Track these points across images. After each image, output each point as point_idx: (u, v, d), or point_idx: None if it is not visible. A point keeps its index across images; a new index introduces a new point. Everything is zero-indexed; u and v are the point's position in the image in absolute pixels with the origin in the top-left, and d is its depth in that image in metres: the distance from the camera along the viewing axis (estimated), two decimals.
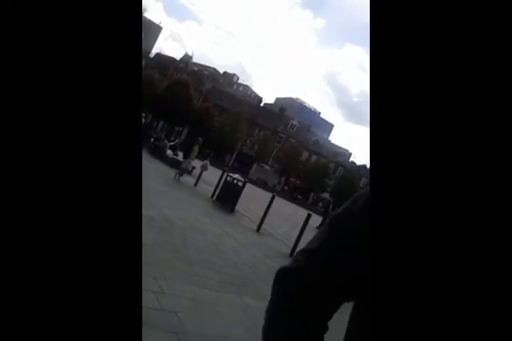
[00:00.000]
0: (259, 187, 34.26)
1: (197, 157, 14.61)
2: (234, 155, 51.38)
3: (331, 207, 22.67)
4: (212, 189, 11.55)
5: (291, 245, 7.67)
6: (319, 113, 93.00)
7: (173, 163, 15.60)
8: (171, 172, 13.44)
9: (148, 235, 4.73)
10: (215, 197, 10.94)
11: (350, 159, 68.14)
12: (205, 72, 69.25)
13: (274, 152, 51.49)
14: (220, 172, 11.97)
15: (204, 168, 13.63)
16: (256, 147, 51.43)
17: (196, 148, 13.71)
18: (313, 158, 55.97)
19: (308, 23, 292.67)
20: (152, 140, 20.21)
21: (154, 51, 67.27)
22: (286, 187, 50.96)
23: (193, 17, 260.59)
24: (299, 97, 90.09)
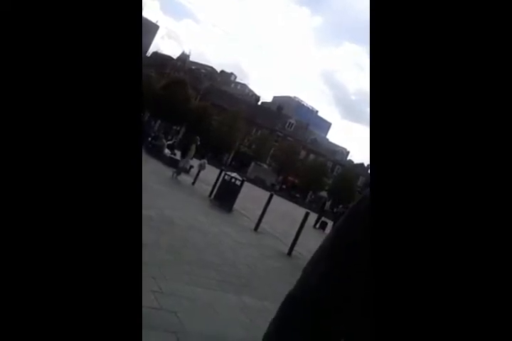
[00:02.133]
0: (257, 186, 34.27)
1: (195, 156, 14.59)
2: (232, 154, 51.37)
3: (328, 204, 22.75)
4: (210, 188, 11.54)
5: (290, 244, 7.68)
6: (317, 111, 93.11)
7: (170, 162, 15.57)
8: (169, 172, 13.43)
9: (146, 235, 4.73)
10: (213, 196, 10.93)
11: (348, 157, 68.33)
12: (203, 71, 69.20)
13: (272, 151, 51.53)
14: (218, 171, 11.96)
15: (202, 167, 13.61)
16: (254, 146, 51.45)
17: (194, 147, 13.69)
18: (311, 156, 56.06)
19: (306, 21, 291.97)
20: (150, 139, 20.16)
21: (151, 50, 67.16)
22: (284, 186, 51.01)
23: (190, 15, 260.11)
24: (297, 96, 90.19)
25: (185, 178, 13.57)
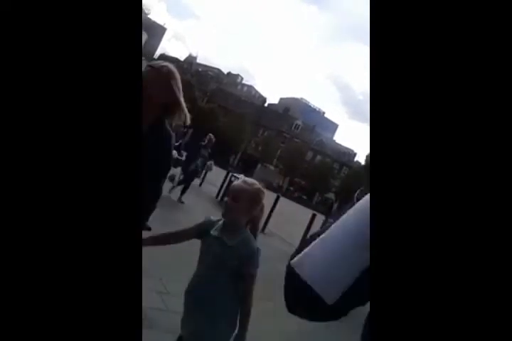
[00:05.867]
0: (264, 187, 34.21)
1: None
2: (238, 156, 51.42)
3: (335, 206, 22.71)
4: (216, 189, 11.55)
5: (297, 245, 7.64)
6: (323, 113, 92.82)
7: (177, 164, 15.62)
8: (176, 173, 13.46)
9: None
10: (219, 198, 10.94)
11: (355, 159, 68.03)
12: (210, 73, 69.43)
13: (279, 152, 51.52)
14: (225, 172, 11.97)
15: (208, 168, 13.63)
16: (260, 147, 51.50)
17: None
18: (318, 158, 55.94)
19: (313, 20, 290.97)
20: None
21: (158, 52, 67.48)
22: (291, 188, 50.94)
23: (197, 17, 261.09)
24: (303, 97, 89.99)
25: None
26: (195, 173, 8.80)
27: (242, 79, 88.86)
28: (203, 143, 8.99)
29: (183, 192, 8.43)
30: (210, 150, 9.31)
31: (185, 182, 8.52)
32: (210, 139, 8.98)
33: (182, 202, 8.21)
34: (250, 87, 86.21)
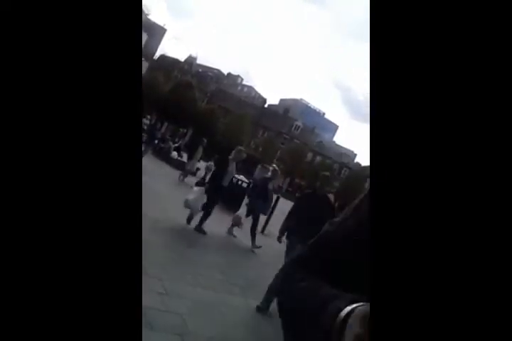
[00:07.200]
0: None
1: (202, 158, 14.62)
2: None
3: (335, 207, 22.67)
4: None
5: None
6: (323, 114, 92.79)
7: (178, 165, 15.63)
8: (176, 174, 13.46)
9: (152, 237, 4.74)
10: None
11: (355, 160, 68.05)
12: (209, 74, 69.49)
13: (278, 153, 51.53)
14: None
15: (209, 169, 13.63)
16: (260, 148, 51.49)
17: (200, 149, 13.71)
18: (318, 159, 55.94)
19: (312, 21, 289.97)
20: (156, 142, 20.26)
21: (158, 53, 67.51)
22: (290, 189, 50.96)
23: (197, 18, 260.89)
24: (303, 98, 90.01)
25: (192, 180, 13.59)
26: (267, 211, 7.78)
27: (242, 80, 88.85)
28: (268, 176, 7.86)
29: (253, 236, 7.14)
30: (275, 185, 8.27)
31: (254, 222, 7.42)
32: (274, 171, 7.85)
33: (258, 247, 7.00)
34: (250, 87, 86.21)
